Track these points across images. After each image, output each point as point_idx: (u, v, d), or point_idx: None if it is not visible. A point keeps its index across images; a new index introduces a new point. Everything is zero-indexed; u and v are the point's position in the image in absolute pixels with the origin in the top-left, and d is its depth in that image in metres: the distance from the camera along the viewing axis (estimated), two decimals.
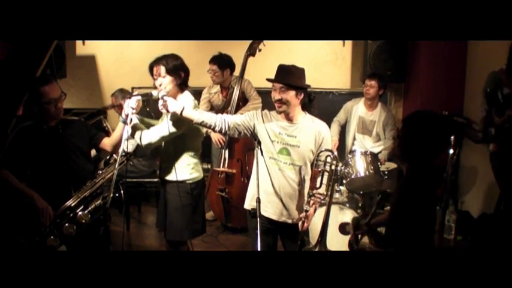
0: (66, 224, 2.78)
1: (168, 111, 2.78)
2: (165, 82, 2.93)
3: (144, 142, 2.94)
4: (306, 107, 2.89)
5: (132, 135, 2.96)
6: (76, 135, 2.99)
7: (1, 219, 3.10)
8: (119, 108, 4.58)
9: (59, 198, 2.82)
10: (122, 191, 2.89)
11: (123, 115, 2.83)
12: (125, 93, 4.67)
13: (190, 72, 3.05)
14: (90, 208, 2.84)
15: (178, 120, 2.85)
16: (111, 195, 2.65)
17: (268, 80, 2.82)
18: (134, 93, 2.91)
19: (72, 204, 2.83)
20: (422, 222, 2.27)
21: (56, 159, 2.86)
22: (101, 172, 2.97)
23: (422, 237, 2.29)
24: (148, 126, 3.05)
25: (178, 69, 2.95)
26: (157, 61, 2.96)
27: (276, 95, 2.78)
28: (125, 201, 2.96)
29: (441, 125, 2.30)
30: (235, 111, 4.38)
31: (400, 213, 2.33)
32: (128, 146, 2.79)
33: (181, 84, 3.00)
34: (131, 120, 2.81)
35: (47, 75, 2.88)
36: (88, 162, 3.10)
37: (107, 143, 3.08)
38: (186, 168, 3.04)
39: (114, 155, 3.00)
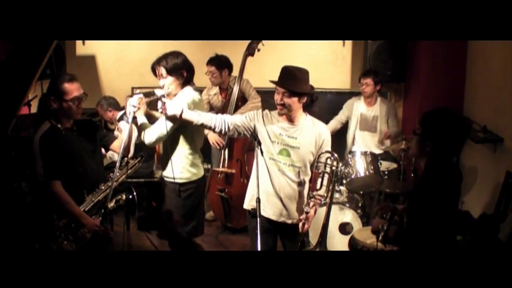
0: (82, 229, 2.73)
1: (166, 114, 2.77)
2: (167, 83, 2.94)
3: (147, 141, 2.94)
4: (307, 107, 2.88)
5: (139, 133, 2.95)
6: (89, 136, 2.95)
7: (17, 225, 3.11)
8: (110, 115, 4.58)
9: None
10: (134, 193, 2.85)
11: (127, 114, 2.82)
12: (109, 100, 4.65)
13: (194, 68, 3.04)
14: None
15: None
16: (111, 197, 2.65)
17: (272, 81, 2.81)
18: (136, 92, 2.90)
19: (87, 209, 2.78)
20: (442, 221, 2.27)
21: (71, 162, 2.80)
22: (112, 175, 2.88)
23: (441, 236, 2.30)
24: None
25: (179, 68, 2.94)
26: (157, 62, 2.96)
27: (278, 99, 2.77)
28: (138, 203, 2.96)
29: (460, 123, 2.32)
30: (235, 111, 4.37)
31: (419, 213, 2.32)
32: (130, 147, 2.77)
33: (185, 83, 3.00)
34: (135, 118, 2.80)
35: (72, 74, 2.83)
36: (100, 164, 3.07)
37: (117, 145, 3.05)
38: (176, 167, 3.00)
39: (125, 158, 2.95)
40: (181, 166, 3.04)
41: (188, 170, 3.06)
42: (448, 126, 2.27)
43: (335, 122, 4.85)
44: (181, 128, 2.97)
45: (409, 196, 2.49)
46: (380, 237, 2.45)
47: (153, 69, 2.99)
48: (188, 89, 3.02)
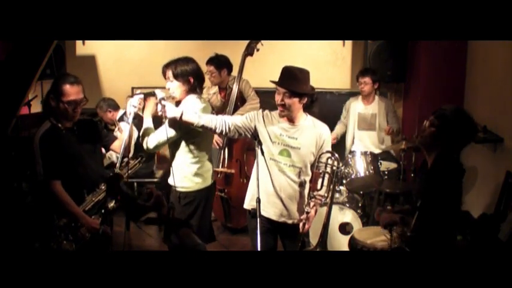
0: (82, 228, 2.74)
1: (166, 116, 2.76)
2: (173, 87, 2.94)
3: (145, 146, 2.93)
4: (308, 107, 2.88)
5: (143, 137, 2.93)
6: (90, 136, 2.94)
7: (17, 225, 3.11)
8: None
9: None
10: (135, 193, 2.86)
11: (127, 114, 2.82)
12: (108, 101, 4.66)
13: (204, 77, 3.04)
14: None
15: (176, 122, 2.83)
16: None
17: (272, 82, 2.81)
18: (137, 92, 2.89)
19: (87, 208, 2.79)
20: (447, 215, 2.37)
21: (72, 162, 2.80)
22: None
23: (447, 231, 2.40)
24: None
25: (187, 75, 2.92)
26: (167, 65, 2.96)
27: (279, 100, 2.77)
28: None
29: (471, 120, 2.47)
30: (234, 112, 4.37)
31: (428, 207, 2.41)
32: (128, 147, 2.76)
33: (192, 90, 2.97)
34: (135, 119, 2.79)
35: (76, 77, 2.84)
36: (100, 164, 3.07)
37: (117, 145, 3.04)
38: (178, 175, 2.98)
39: (125, 158, 2.93)
40: (182, 175, 3.00)
41: (190, 179, 3.02)
42: (467, 128, 2.43)
43: (341, 126, 4.87)
44: (186, 135, 2.95)
45: (419, 192, 2.55)
46: (401, 231, 2.52)
47: (163, 71, 2.99)
48: (191, 97, 2.98)
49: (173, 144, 2.99)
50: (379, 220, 2.72)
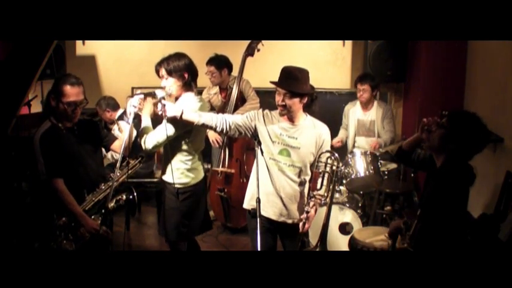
0: (82, 228, 2.74)
1: (166, 116, 2.76)
2: (168, 84, 2.94)
3: (144, 146, 2.93)
4: (307, 107, 2.88)
5: (141, 137, 2.93)
6: (90, 136, 2.94)
7: (17, 225, 3.11)
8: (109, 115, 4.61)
9: None
10: (135, 194, 2.86)
11: (127, 114, 2.82)
12: (107, 101, 4.66)
13: (197, 71, 3.04)
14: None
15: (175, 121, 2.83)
16: (111, 197, 2.65)
17: (272, 82, 2.80)
18: (137, 92, 2.89)
19: (87, 208, 2.79)
20: (453, 219, 2.37)
21: (72, 162, 2.81)
22: (113, 175, 2.87)
23: (452, 234, 2.39)
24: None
25: (180, 70, 2.92)
26: (159, 63, 2.96)
27: (279, 100, 2.77)
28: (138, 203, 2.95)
29: (485, 129, 2.39)
30: (234, 111, 4.38)
31: (432, 210, 2.40)
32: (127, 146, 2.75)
33: (187, 85, 2.98)
34: (135, 119, 2.79)
35: (77, 78, 2.85)
36: (100, 164, 3.07)
37: (117, 145, 3.04)
38: (175, 172, 2.98)
39: (126, 158, 2.93)
40: (179, 172, 3.01)
41: (186, 175, 3.04)
42: (477, 132, 2.36)
43: (343, 131, 4.83)
44: (182, 133, 2.95)
45: (425, 194, 2.54)
46: (406, 236, 2.51)
47: (156, 70, 2.99)
48: (188, 95, 2.99)
49: (168, 142, 2.98)
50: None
